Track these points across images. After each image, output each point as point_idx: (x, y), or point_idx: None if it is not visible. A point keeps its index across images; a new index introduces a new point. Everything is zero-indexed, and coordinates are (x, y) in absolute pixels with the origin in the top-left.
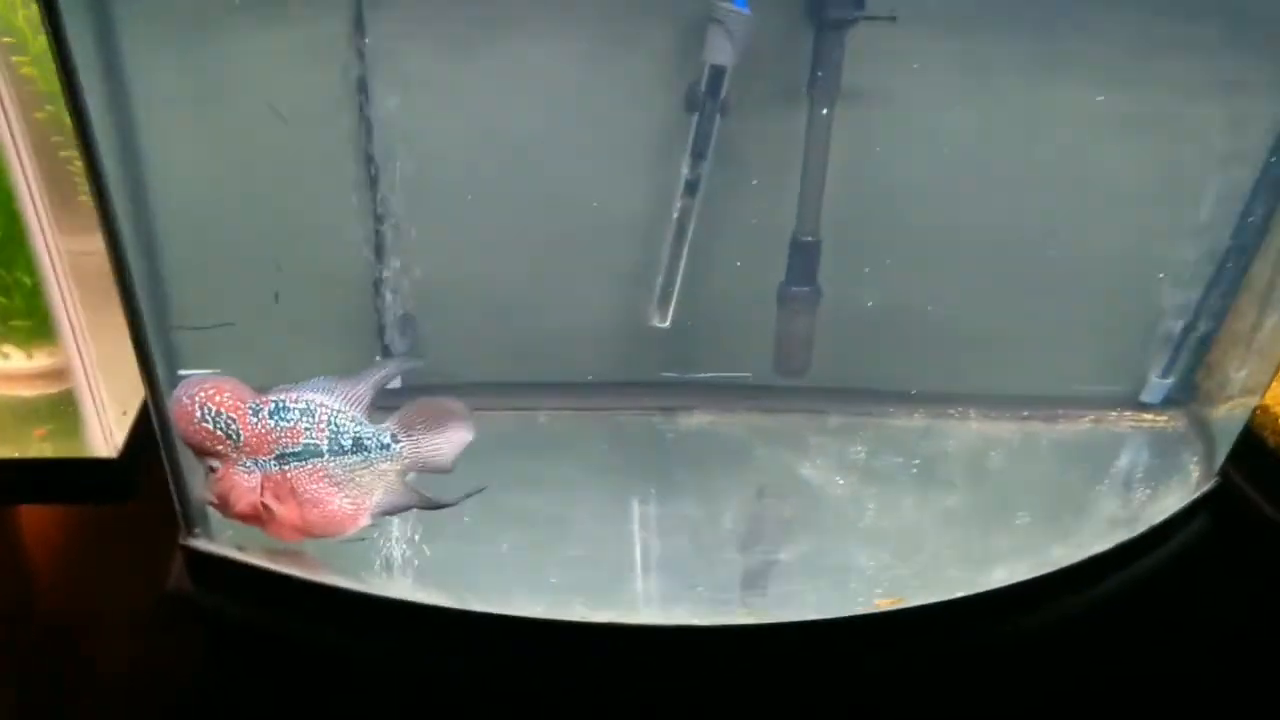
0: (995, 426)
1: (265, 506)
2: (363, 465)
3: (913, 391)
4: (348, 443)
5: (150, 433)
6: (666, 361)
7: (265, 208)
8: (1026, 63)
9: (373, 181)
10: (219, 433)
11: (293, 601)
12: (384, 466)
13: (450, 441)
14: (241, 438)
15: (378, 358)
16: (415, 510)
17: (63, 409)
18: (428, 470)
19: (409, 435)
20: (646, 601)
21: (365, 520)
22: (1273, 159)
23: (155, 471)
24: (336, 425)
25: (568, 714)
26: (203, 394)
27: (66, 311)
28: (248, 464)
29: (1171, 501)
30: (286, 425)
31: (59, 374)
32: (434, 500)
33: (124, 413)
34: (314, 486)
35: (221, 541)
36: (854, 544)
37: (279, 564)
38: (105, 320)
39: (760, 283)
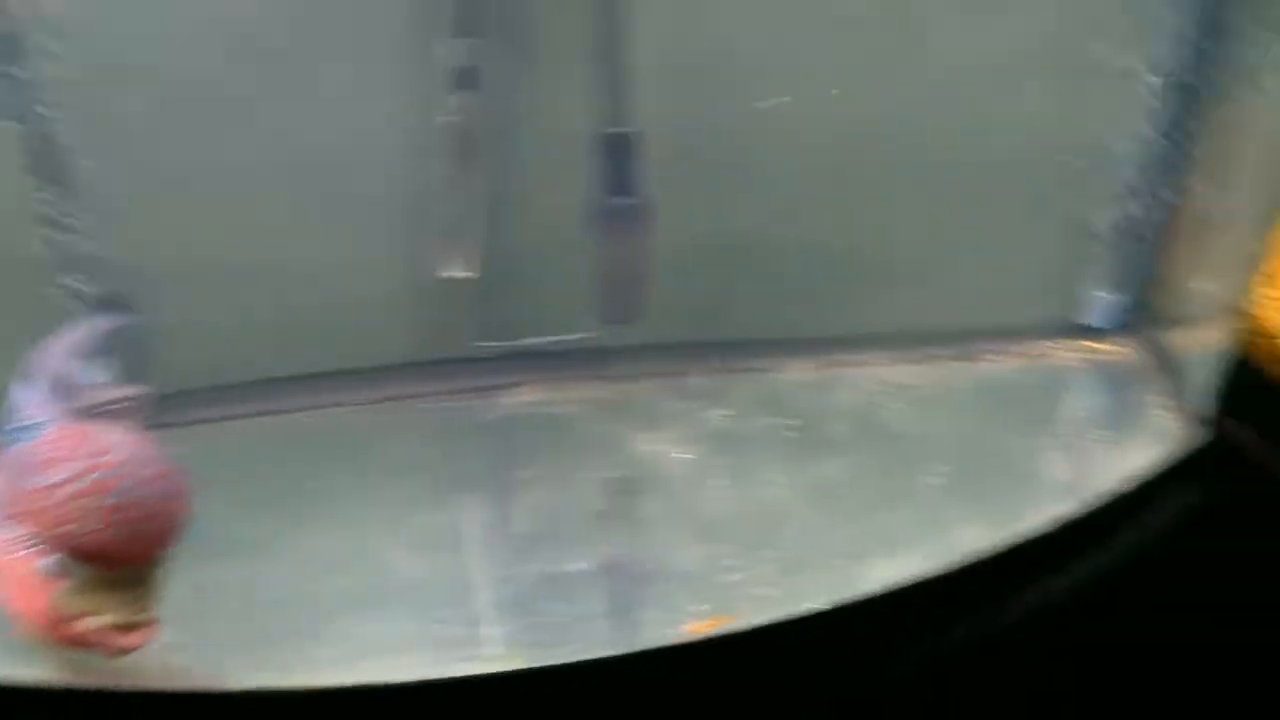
0: (900, 372)
1: None
2: None
3: (797, 337)
4: None
5: None
6: (482, 328)
7: None
8: None
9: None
10: None
11: None
12: None
13: None
14: None
15: None
16: None
17: None
18: None
19: None
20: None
21: None
22: None
23: None
24: None
25: None
26: None
27: None
28: None
29: (1141, 457)
30: None
31: None
32: None
33: None
34: None
35: None
36: (689, 538)
37: None
38: None
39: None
